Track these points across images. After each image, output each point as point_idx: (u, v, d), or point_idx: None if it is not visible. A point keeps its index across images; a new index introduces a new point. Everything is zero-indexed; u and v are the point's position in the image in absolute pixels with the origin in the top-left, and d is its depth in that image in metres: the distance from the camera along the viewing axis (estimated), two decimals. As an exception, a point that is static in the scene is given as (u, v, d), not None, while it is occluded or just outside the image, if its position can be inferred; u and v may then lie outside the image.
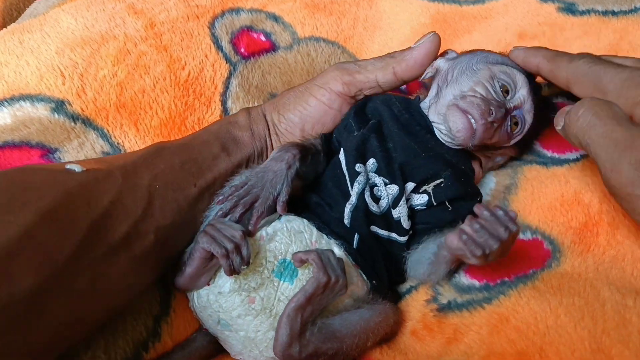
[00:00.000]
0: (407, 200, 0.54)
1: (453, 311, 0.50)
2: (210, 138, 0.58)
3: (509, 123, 0.55)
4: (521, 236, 0.53)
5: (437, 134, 0.56)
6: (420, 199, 0.54)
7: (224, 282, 0.49)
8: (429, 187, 0.54)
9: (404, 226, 0.53)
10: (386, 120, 0.56)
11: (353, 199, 0.53)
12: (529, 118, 0.56)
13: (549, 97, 0.64)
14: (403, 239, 0.54)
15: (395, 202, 0.53)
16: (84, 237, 0.40)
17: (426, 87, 0.62)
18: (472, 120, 0.53)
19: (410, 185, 0.54)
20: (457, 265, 0.53)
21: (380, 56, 0.60)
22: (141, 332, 0.50)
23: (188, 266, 0.49)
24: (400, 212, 0.53)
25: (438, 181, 0.54)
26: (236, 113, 0.63)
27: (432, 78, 0.59)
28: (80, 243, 0.40)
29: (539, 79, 0.59)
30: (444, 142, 0.56)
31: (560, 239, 0.52)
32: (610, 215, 0.52)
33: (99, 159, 0.49)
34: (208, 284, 0.50)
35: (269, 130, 0.61)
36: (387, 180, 0.53)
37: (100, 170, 0.46)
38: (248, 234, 0.50)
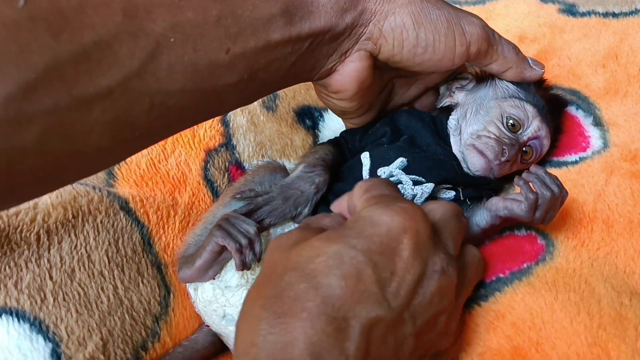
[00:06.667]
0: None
1: (450, 308, 0.50)
2: None
3: (521, 155, 0.57)
4: (515, 232, 0.54)
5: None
6: (447, 194, 0.55)
7: (230, 276, 0.50)
8: (460, 186, 0.56)
9: None
10: (420, 133, 0.58)
11: None
12: (546, 142, 0.58)
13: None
14: None
15: (428, 199, 0.54)
16: (37, 78, 0.29)
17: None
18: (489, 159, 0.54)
19: (446, 185, 0.55)
20: (474, 244, 0.53)
21: (513, 44, 0.56)
22: (140, 332, 0.50)
23: (198, 259, 0.49)
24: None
25: None
26: None
27: (452, 107, 0.61)
28: (28, 85, 0.29)
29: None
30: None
31: (554, 234, 0.52)
32: (605, 214, 0.52)
33: None
34: (214, 279, 0.51)
35: (369, 16, 0.48)
36: (422, 179, 0.54)
37: None
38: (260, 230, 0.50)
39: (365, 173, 0.55)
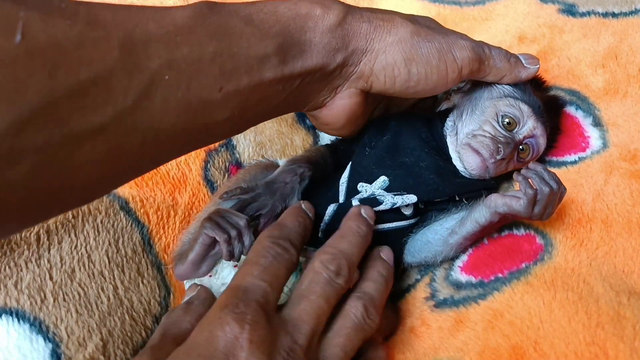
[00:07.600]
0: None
1: (450, 307, 0.50)
2: (270, 28, 0.42)
3: (518, 153, 0.57)
4: (514, 231, 0.54)
5: (455, 163, 0.57)
6: (408, 198, 0.54)
7: (227, 273, 0.50)
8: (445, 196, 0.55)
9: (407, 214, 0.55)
10: (406, 136, 0.57)
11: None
12: (542, 142, 0.57)
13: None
14: (407, 222, 0.55)
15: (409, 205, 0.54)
16: (31, 115, 0.29)
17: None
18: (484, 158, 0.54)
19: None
20: (473, 242, 0.54)
21: (504, 51, 0.55)
22: (140, 333, 0.50)
23: (191, 253, 0.50)
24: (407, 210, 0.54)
25: None
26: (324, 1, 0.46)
27: (449, 109, 0.61)
28: (21, 122, 0.28)
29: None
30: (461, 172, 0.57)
31: (553, 234, 0.52)
32: (604, 213, 0.52)
33: (101, 6, 0.34)
34: (210, 275, 0.51)
35: (360, 55, 0.48)
36: (404, 192, 0.53)
37: (94, 28, 0.32)
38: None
39: (344, 183, 0.55)
